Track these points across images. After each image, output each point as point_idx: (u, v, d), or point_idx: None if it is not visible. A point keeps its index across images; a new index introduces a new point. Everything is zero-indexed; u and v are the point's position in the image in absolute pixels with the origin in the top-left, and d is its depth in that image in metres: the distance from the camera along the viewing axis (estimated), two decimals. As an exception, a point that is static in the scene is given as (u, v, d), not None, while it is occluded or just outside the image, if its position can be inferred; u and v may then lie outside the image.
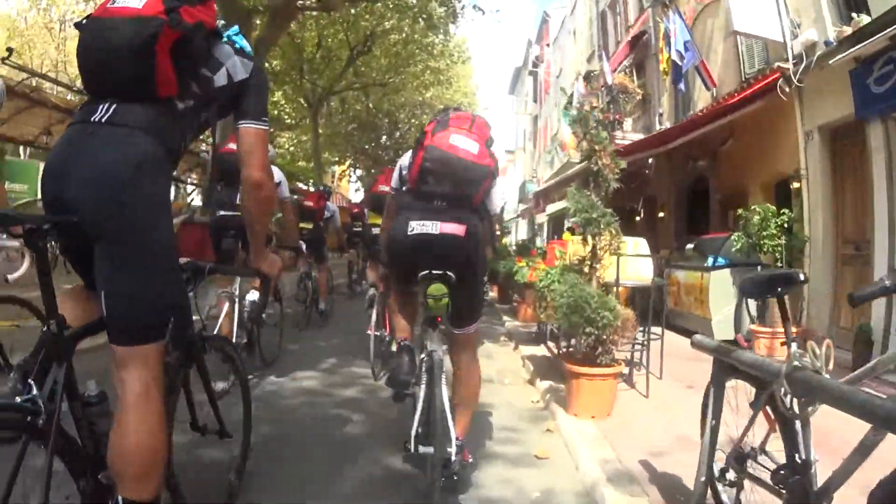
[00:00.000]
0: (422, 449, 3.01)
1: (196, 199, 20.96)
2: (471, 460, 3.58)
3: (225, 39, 2.37)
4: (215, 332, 4.65)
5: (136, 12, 2.04)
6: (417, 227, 3.11)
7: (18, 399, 1.79)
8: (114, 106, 2.07)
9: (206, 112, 2.33)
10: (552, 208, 21.74)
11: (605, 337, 4.59)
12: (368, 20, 23.81)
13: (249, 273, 2.88)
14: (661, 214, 15.24)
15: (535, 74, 40.43)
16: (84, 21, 2.16)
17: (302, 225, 9.01)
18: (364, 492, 3.43)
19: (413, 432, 3.07)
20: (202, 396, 2.79)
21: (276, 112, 28.75)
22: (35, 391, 1.80)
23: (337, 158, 40.14)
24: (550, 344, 7.84)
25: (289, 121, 31.35)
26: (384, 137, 38.00)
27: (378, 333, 5.96)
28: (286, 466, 3.69)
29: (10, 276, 4.13)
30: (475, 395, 3.52)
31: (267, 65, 23.04)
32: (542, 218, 33.13)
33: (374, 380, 5.83)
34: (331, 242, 10.12)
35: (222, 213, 5.43)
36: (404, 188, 3.47)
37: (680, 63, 12.29)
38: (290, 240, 6.44)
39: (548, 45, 36.39)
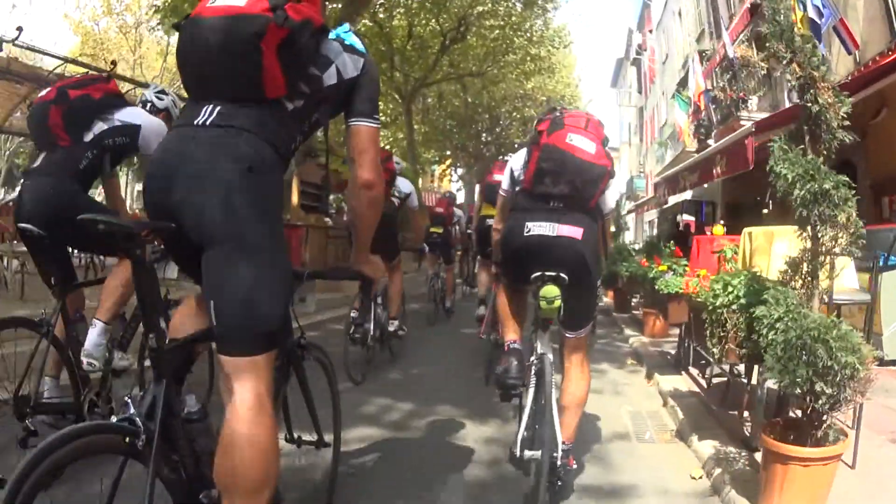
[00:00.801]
0: (528, 453, 2.94)
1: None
2: (575, 466, 3.51)
3: (334, 37, 2.29)
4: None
5: (240, 10, 1.98)
6: (535, 227, 3.06)
7: (115, 419, 1.82)
8: (218, 108, 2.02)
9: (317, 112, 2.24)
10: (675, 199, 19.39)
11: (844, 396, 2.67)
12: (460, 4, 22.27)
13: (351, 276, 2.62)
14: (765, 211, 12.96)
15: (639, 63, 38.99)
16: (183, 22, 2.12)
17: (432, 229, 9.78)
18: (467, 495, 3.46)
19: (519, 436, 3.01)
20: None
21: None
22: (132, 409, 1.82)
23: (437, 157, 38.98)
24: (694, 371, 5.94)
25: (383, 118, 29.93)
26: (484, 133, 36.25)
27: (491, 337, 6.05)
28: (385, 469, 3.79)
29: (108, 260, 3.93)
30: (584, 399, 3.38)
31: None
32: (651, 215, 30.98)
33: (486, 384, 5.59)
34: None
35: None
36: (517, 189, 3.37)
37: (819, 21, 10.07)
38: (416, 243, 7.39)
39: (650, 31, 34.75)
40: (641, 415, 5.11)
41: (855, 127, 8.47)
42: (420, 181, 42.22)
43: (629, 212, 28.42)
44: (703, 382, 5.71)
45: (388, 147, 33.14)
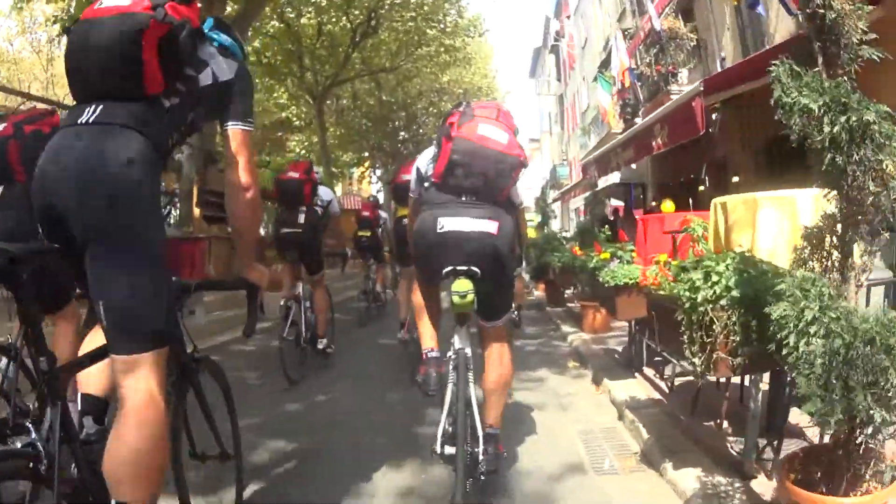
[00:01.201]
0: (448, 449, 2.92)
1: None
2: (505, 454, 3.43)
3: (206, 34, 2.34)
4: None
5: (123, 9, 2.03)
6: (448, 223, 2.97)
7: (19, 445, 1.85)
8: (101, 106, 2.05)
9: (192, 112, 2.26)
10: (603, 183, 18.69)
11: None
12: (369, -3, 21.17)
13: (238, 285, 2.49)
14: (734, 179, 12.25)
15: (557, 51, 38.62)
16: (72, 26, 2.17)
17: (360, 233, 10.08)
18: (395, 497, 3.36)
19: (440, 432, 2.99)
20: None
21: (283, 114, 27.26)
22: (34, 434, 1.84)
23: (355, 160, 37.77)
24: (649, 372, 5.16)
25: (297, 122, 29.01)
26: (402, 132, 35.27)
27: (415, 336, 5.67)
28: (311, 472, 3.72)
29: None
30: (507, 380, 3.35)
31: (264, 59, 21.48)
32: (577, 202, 30.61)
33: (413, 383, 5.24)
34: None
35: (284, 230, 6.03)
36: (426, 185, 3.33)
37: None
38: (338, 248, 7.56)
39: (568, 17, 34.25)
40: (595, 435, 4.22)
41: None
42: (340, 185, 41.31)
43: (554, 200, 27.85)
44: (664, 386, 4.88)
45: (303, 152, 32.31)
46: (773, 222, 3.38)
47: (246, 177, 2.27)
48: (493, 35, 73.22)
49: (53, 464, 1.77)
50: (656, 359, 5.38)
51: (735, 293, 2.58)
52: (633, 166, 15.98)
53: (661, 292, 3.35)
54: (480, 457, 2.91)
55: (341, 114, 31.24)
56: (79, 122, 2.02)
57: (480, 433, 2.96)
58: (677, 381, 4.71)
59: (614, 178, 17.42)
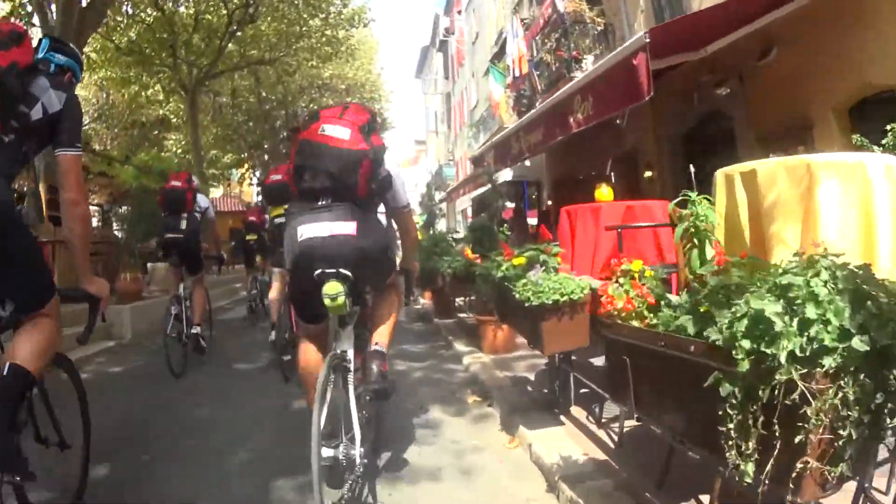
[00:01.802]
0: (325, 451, 2.83)
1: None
2: (390, 376, 3.36)
3: (40, 59, 2.73)
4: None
5: None
6: (306, 231, 2.97)
7: None
8: None
9: (27, 144, 2.59)
10: (508, 175, 17.47)
11: None
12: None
13: (78, 295, 2.83)
14: (647, 174, 11.23)
15: (446, 48, 37.52)
16: None
17: (248, 237, 10.63)
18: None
19: (315, 432, 2.74)
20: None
21: (160, 112, 26.06)
22: None
23: (236, 161, 35.54)
24: (579, 413, 3.91)
25: (175, 120, 27.04)
26: (283, 130, 33.30)
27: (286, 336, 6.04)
28: (179, 468, 3.77)
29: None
30: (396, 311, 3.52)
31: (137, 50, 20.06)
32: (464, 203, 29.69)
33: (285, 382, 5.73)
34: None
35: (168, 235, 6.50)
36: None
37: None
38: (214, 251, 7.59)
39: (459, 12, 33.18)
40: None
41: (728, 74, 6.57)
42: (220, 187, 39.10)
43: (441, 200, 26.59)
44: (607, 437, 3.60)
45: (178, 150, 30.43)
46: (837, 202, 2.11)
47: (75, 194, 2.65)
48: (378, 29, 71.14)
49: None
50: (583, 390, 4.15)
51: (859, 342, 1.26)
52: (528, 163, 14.88)
53: (642, 326, 2.00)
54: (358, 459, 2.88)
55: (219, 111, 29.39)
56: None
57: (358, 435, 2.91)
58: (626, 425, 3.45)
59: (505, 174, 16.26)
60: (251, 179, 40.11)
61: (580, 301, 3.21)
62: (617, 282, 2.54)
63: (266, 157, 34.03)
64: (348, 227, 2.94)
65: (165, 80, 22.99)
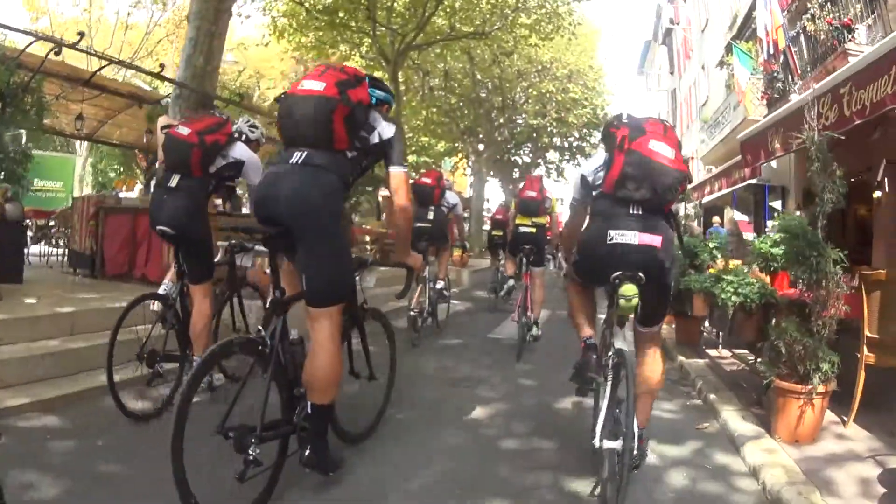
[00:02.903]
0: (607, 444, 3.06)
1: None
2: (648, 451, 3.61)
3: (374, 100, 3.46)
4: (411, 305, 7.60)
5: (319, 93, 3.16)
6: (617, 236, 3.19)
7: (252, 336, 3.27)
8: (305, 153, 3.19)
9: (366, 160, 3.43)
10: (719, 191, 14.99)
11: None
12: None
13: (399, 265, 3.72)
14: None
15: (670, 41, 34.44)
16: (282, 96, 3.36)
17: (494, 232, 11.90)
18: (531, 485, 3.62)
19: (598, 427, 3.11)
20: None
21: None
22: (264, 333, 3.17)
23: (448, 148, 35.34)
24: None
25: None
26: (495, 112, 31.91)
27: (523, 320, 7.06)
28: (425, 421, 4.70)
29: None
30: (659, 385, 3.59)
31: (329, 12, 19.22)
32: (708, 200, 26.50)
33: (517, 361, 6.80)
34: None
35: (417, 224, 7.35)
36: (595, 193, 3.53)
37: None
38: (458, 241, 9.41)
39: (684, 0, 30.22)
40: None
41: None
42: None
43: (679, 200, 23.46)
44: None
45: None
46: None
47: (405, 202, 3.41)
48: (599, 19, 68.07)
49: (273, 349, 3.09)
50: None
51: None
52: (774, 164, 12.35)
53: None
54: (635, 451, 3.15)
55: (430, 92, 28.23)
56: (291, 162, 3.19)
57: (636, 430, 3.15)
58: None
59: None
60: (464, 170, 38.75)
61: None
62: None
63: (481, 146, 32.94)
64: (655, 240, 3.18)
65: (365, 49, 22.06)
